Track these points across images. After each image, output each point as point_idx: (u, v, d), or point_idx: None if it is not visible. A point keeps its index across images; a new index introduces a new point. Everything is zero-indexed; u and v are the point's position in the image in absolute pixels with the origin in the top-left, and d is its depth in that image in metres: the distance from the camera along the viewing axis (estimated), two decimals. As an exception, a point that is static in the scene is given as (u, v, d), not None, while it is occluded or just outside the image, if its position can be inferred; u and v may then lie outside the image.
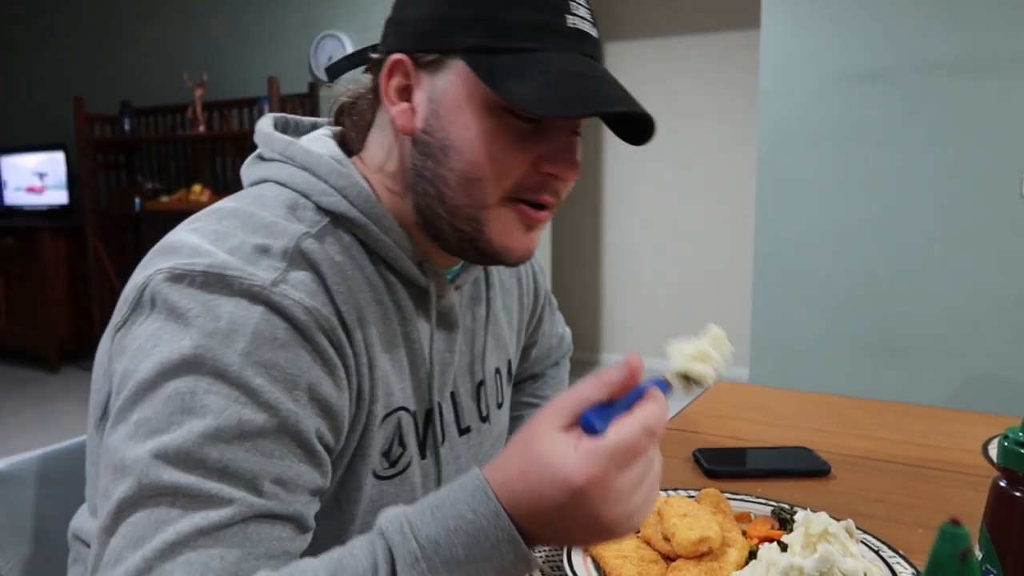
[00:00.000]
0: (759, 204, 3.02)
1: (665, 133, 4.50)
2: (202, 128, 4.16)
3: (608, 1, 4.55)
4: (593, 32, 0.66)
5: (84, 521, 0.73)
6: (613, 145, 4.65)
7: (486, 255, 0.68)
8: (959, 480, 0.99)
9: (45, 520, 0.85)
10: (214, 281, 0.57)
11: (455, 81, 0.63)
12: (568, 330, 1.15)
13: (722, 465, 1.00)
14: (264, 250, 0.61)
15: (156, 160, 4.69)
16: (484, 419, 0.82)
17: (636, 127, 0.68)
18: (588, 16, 0.66)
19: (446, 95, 0.64)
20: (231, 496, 0.52)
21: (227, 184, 4.33)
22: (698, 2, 4.32)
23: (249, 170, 0.72)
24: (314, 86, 3.95)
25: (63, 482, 0.86)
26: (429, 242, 0.70)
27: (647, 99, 3.99)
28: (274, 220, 0.63)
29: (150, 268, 0.60)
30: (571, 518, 0.48)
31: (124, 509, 0.52)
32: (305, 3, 4.10)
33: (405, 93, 0.66)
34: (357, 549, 0.51)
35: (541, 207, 0.67)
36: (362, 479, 0.67)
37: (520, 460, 0.49)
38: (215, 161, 4.43)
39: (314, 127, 0.77)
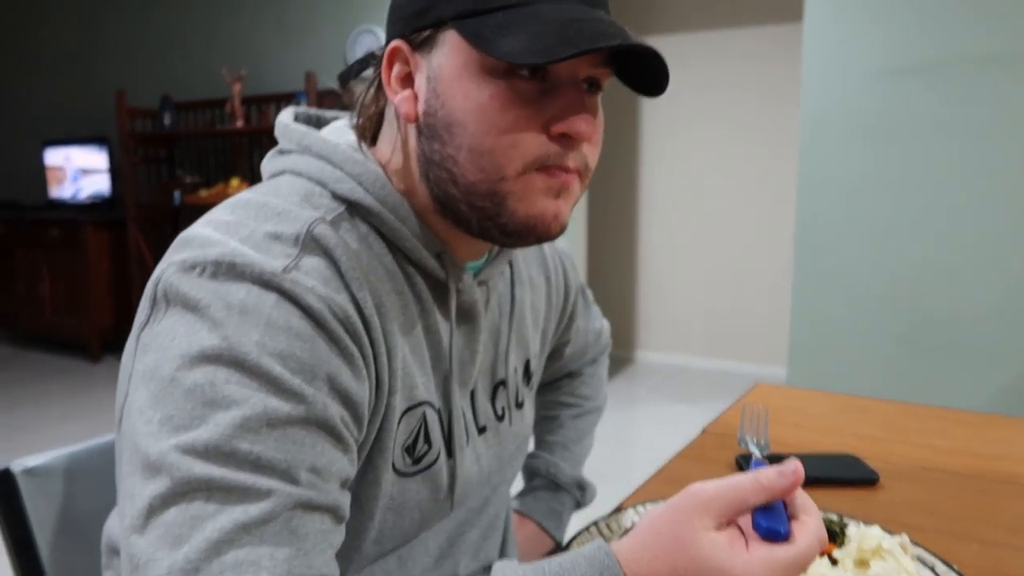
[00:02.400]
0: (800, 199, 2.96)
1: (705, 128, 4.44)
2: (240, 123, 4.20)
3: (646, -6, 4.50)
4: None
5: (116, 527, 0.72)
6: (650, 139, 4.61)
7: (511, 233, 0.63)
8: (1015, 492, 0.96)
9: (83, 516, 0.86)
10: (226, 270, 0.56)
11: (449, 53, 0.60)
12: (607, 323, 1.11)
13: (765, 471, 0.98)
14: (276, 237, 0.59)
15: (196, 154, 4.75)
16: (500, 418, 0.80)
17: (650, 75, 0.63)
18: None
19: (442, 70, 0.61)
20: (268, 487, 0.51)
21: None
22: (738, -5, 4.25)
23: (269, 164, 0.70)
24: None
25: (101, 476, 0.86)
26: (451, 231, 0.67)
27: (688, 93, 3.96)
28: (287, 208, 0.62)
29: (164, 263, 0.59)
30: None
31: (156, 507, 0.50)
32: (342, -2, 4.12)
33: (408, 81, 0.64)
34: None
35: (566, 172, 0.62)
36: (381, 474, 0.65)
37: (670, 558, 0.48)
38: (253, 155, 4.47)
39: (336, 120, 0.76)
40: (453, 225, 0.66)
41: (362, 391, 0.60)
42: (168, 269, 0.58)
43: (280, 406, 0.53)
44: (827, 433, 1.18)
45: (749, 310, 4.47)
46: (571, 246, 3.57)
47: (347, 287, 0.60)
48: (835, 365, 2.96)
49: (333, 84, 0.73)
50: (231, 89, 4.19)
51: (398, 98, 0.64)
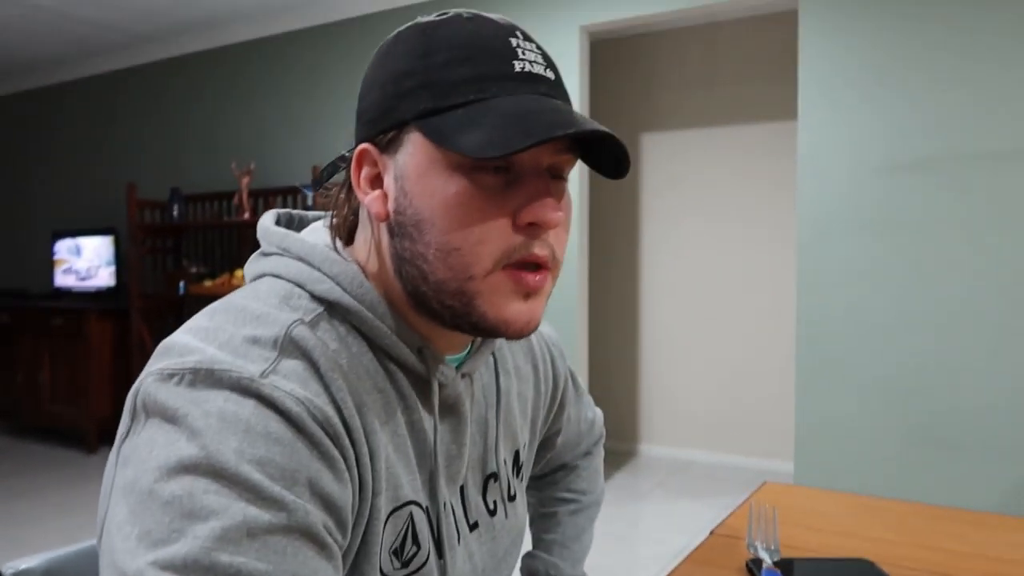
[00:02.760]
0: (800, 294, 2.97)
1: (703, 222, 4.51)
2: (247, 215, 4.27)
3: (646, 91, 4.65)
4: (547, 74, 0.64)
5: None
6: (651, 232, 4.67)
7: (483, 331, 0.64)
8: (1036, 601, 0.92)
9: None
10: (204, 378, 0.55)
11: (414, 152, 0.62)
12: (599, 412, 1.09)
13: (777, 578, 0.94)
14: (255, 341, 0.59)
15: (202, 245, 4.81)
16: (492, 513, 0.78)
17: (612, 160, 0.65)
18: (540, 60, 0.64)
19: (408, 169, 0.62)
20: None
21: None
22: (735, 93, 4.39)
23: (251, 267, 0.71)
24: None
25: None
26: (430, 326, 0.67)
27: (685, 188, 4.03)
28: (266, 311, 0.62)
29: (144, 373, 0.59)
30: None
31: None
32: (349, 94, 4.25)
33: (377, 181, 0.65)
34: None
35: (535, 268, 0.63)
36: None
37: None
38: (258, 247, 4.52)
39: (316, 221, 0.77)
40: (429, 320, 0.66)
41: (345, 495, 0.58)
42: (146, 379, 0.57)
43: (260, 515, 0.51)
44: (839, 536, 1.15)
45: (754, 403, 4.43)
46: (572, 338, 3.57)
47: (327, 388, 0.60)
48: (843, 460, 2.91)
49: (340, 178, 0.74)
50: (239, 182, 4.28)
51: (368, 199, 0.65)
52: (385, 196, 0.65)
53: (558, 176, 0.65)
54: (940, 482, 2.73)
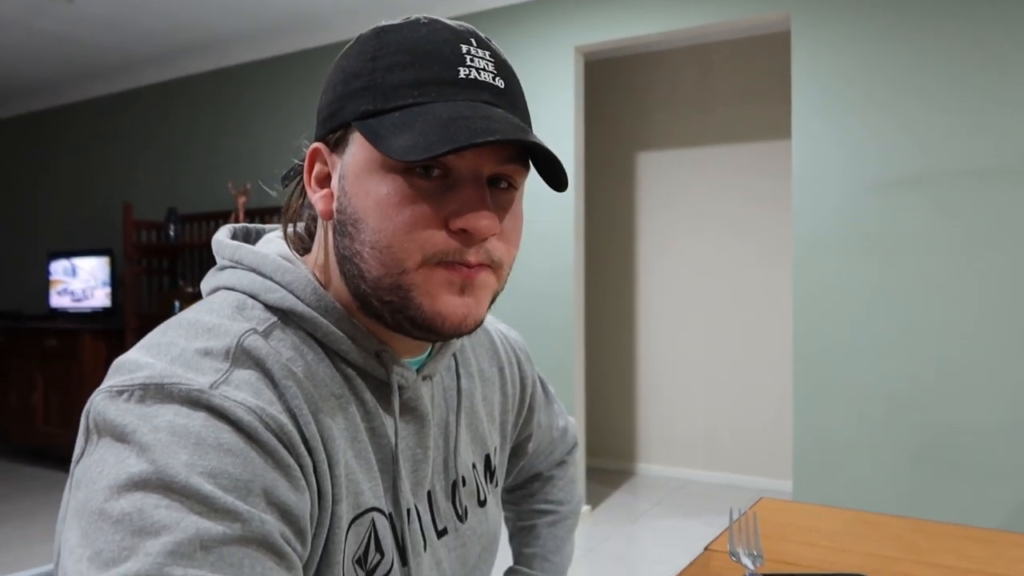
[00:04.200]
0: (796, 312, 2.97)
1: (699, 241, 4.51)
2: (244, 234, 4.26)
3: (640, 111, 4.67)
4: (496, 82, 0.63)
5: None
6: (647, 250, 4.67)
7: (422, 326, 0.63)
8: (1036, 616, 0.91)
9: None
10: (153, 393, 0.54)
11: (356, 152, 0.62)
12: (572, 420, 1.08)
13: (773, 594, 0.93)
14: (206, 353, 0.58)
15: (198, 265, 4.80)
16: (462, 518, 0.76)
17: (553, 172, 0.64)
18: (490, 68, 0.63)
19: (349, 168, 0.63)
20: None
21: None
22: (729, 113, 4.41)
23: (206, 282, 0.70)
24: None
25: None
26: (381, 329, 0.67)
27: (680, 207, 4.04)
28: (218, 323, 0.61)
29: (96, 391, 0.58)
30: None
31: None
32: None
33: (326, 180, 0.66)
34: None
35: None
36: None
37: None
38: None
39: (270, 232, 0.77)
40: (376, 322, 0.66)
41: (302, 504, 0.57)
42: (96, 397, 0.56)
43: (213, 527, 0.50)
44: (837, 552, 1.13)
45: (752, 422, 4.41)
46: (568, 358, 3.56)
47: (281, 397, 0.59)
48: (841, 478, 2.89)
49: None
50: (236, 202, 4.28)
51: (315, 196, 0.66)
52: (331, 195, 0.65)
53: (509, 186, 0.64)
54: (939, 500, 2.71)
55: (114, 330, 4.75)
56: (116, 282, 4.98)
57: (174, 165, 5.01)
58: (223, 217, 4.50)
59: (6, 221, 6.02)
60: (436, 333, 0.63)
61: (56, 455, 4.88)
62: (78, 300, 5.10)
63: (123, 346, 4.68)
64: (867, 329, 2.84)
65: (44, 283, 5.38)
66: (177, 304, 4.40)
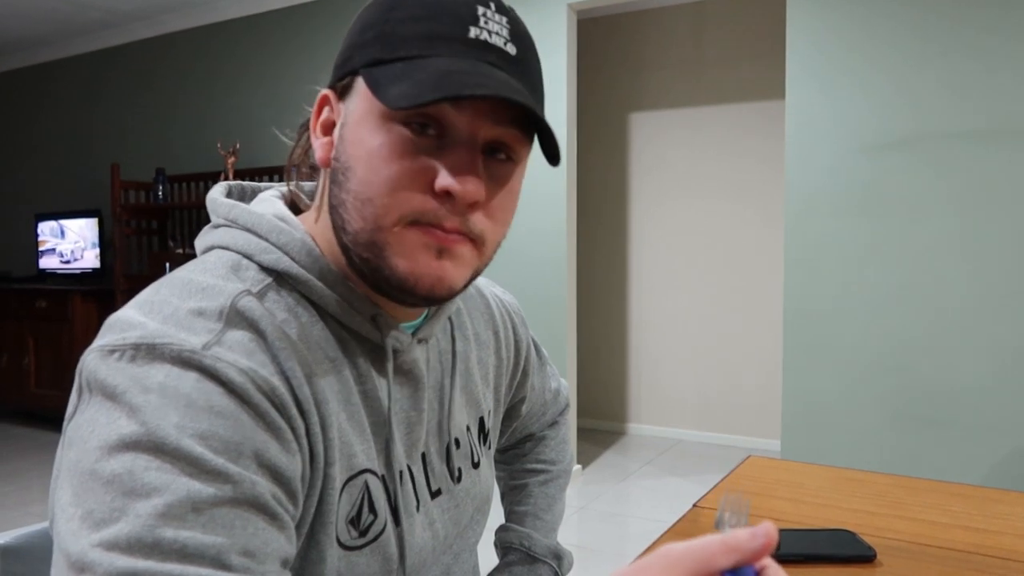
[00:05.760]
0: (787, 273, 2.98)
1: (691, 202, 4.51)
2: (233, 195, 4.23)
3: (634, 71, 4.63)
4: (507, 48, 0.62)
5: None
6: (639, 212, 4.66)
7: (396, 286, 0.62)
8: (1015, 568, 0.93)
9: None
10: (145, 353, 0.54)
11: (358, 100, 0.62)
12: (564, 383, 1.09)
13: (758, 548, 0.95)
14: (199, 313, 0.57)
15: (188, 226, 4.77)
16: (456, 480, 0.77)
17: (552, 144, 0.62)
18: (503, 32, 0.62)
19: (349, 116, 0.62)
20: None
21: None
22: (723, 73, 4.37)
23: (200, 240, 0.70)
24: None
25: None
26: (375, 291, 0.66)
27: (673, 168, 4.02)
28: (212, 283, 0.60)
29: (88, 349, 0.57)
30: None
31: None
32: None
33: (331, 128, 0.66)
34: None
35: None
36: (325, 550, 0.62)
37: None
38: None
39: (266, 191, 0.76)
40: (360, 279, 0.65)
41: (293, 465, 0.57)
42: (88, 356, 0.56)
43: (204, 488, 0.50)
44: (822, 507, 1.15)
45: (742, 383, 4.45)
46: (561, 319, 3.57)
47: (274, 359, 0.59)
48: (829, 438, 2.93)
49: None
50: (225, 162, 4.24)
51: (318, 143, 0.65)
52: (332, 143, 0.65)
53: (508, 159, 0.63)
54: (926, 459, 2.75)
55: (104, 291, 4.73)
56: (105, 243, 4.95)
57: (162, 125, 4.95)
58: (212, 178, 4.46)
59: (-8, 182, 5.96)
60: (410, 294, 0.62)
61: (49, 416, 4.90)
62: (67, 262, 5.07)
63: (113, 307, 4.67)
64: (858, 289, 2.86)
65: (33, 244, 5.34)
66: (168, 265, 4.38)
